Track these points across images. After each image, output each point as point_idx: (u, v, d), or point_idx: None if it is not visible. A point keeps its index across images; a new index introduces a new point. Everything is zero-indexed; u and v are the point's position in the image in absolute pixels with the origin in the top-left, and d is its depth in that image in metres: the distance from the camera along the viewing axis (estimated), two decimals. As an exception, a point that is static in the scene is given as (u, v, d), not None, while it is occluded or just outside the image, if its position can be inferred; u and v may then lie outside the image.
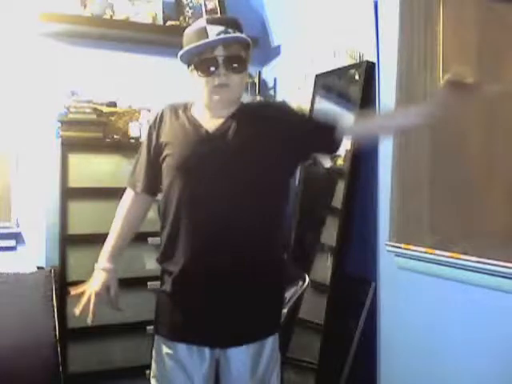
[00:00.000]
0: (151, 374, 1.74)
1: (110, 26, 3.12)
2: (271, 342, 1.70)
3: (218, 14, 3.37)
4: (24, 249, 3.07)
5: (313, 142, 1.74)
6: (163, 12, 3.30)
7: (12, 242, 3.05)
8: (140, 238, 2.85)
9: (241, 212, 1.62)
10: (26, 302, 2.76)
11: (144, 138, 1.82)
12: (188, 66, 1.69)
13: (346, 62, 2.82)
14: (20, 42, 3.04)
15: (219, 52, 1.61)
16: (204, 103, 1.69)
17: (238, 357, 1.67)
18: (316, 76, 2.99)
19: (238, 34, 1.63)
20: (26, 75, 3.05)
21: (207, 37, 1.60)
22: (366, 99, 2.62)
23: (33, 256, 3.02)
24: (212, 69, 1.61)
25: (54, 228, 2.83)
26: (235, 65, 1.63)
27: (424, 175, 2.36)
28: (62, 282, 2.76)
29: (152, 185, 1.78)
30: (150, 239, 2.89)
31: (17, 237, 3.06)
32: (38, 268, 2.90)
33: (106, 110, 3.01)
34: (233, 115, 1.68)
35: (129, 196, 1.83)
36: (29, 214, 3.08)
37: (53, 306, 2.76)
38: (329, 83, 2.93)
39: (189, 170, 1.64)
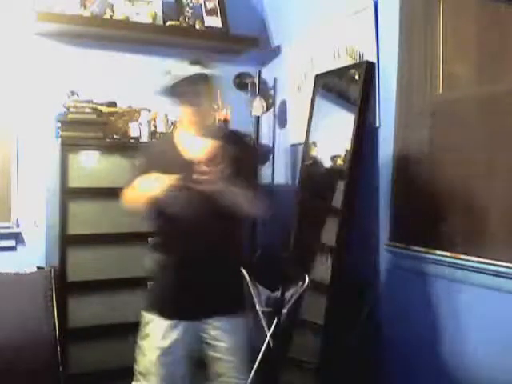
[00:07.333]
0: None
1: (110, 26, 3.12)
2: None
3: (219, 16, 3.38)
4: (24, 249, 3.07)
5: None
6: (163, 12, 3.30)
7: (12, 242, 3.05)
8: (140, 237, 2.88)
9: (216, 222, 1.97)
10: (26, 302, 2.76)
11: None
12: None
13: (346, 61, 2.82)
14: (20, 42, 3.04)
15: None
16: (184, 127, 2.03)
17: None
18: (316, 76, 2.99)
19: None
20: (26, 75, 3.05)
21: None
22: (366, 99, 2.62)
23: (33, 256, 3.02)
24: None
25: (54, 228, 2.83)
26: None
27: (424, 175, 2.36)
28: (62, 282, 2.75)
29: None
30: (150, 239, 2.89)
31: (17, 237, 3.06)
32: (38, 268, 2.91)
33: (105, 110, 3.00)
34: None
35: None
36: (29, 214, 3.08)
37: (53, 306, 2.76)
38: (329, 83, 2.93)
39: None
